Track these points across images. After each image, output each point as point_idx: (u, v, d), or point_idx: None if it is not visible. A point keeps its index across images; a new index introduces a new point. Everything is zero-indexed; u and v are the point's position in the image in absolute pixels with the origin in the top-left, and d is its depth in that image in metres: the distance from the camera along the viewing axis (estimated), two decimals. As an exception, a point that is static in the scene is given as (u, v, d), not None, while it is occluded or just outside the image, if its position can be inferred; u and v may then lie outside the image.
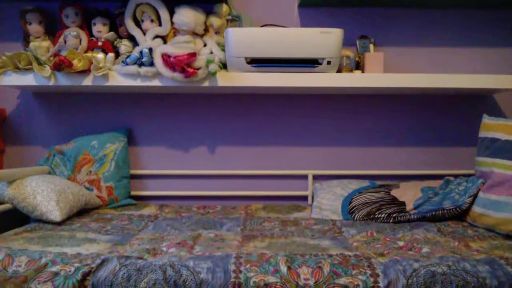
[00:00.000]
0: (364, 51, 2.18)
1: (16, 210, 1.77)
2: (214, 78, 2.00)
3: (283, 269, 1.27)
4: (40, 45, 2.13)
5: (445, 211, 1.83)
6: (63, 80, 2.00)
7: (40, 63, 1.99)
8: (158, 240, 1.54)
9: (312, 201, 2.28)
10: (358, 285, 1.24)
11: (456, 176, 2.11)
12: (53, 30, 2.21)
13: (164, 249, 1.43)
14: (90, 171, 2.11)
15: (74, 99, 2.31)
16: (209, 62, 1.95)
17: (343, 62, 2.11)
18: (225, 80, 2.00)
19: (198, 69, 1.95)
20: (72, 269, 1.26)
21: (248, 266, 1.28)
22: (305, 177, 2.34)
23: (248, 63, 1.98)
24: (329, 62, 1.97)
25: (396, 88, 2.06)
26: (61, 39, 2.11)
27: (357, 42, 2.20)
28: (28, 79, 2.01)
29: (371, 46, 2.19)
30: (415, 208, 1.88)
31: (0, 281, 1.25)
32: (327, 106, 2.33)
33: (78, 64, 1.96)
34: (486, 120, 1.94)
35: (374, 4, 2.25)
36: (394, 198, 1.94)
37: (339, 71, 2.10)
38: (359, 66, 2.18)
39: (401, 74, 2.02)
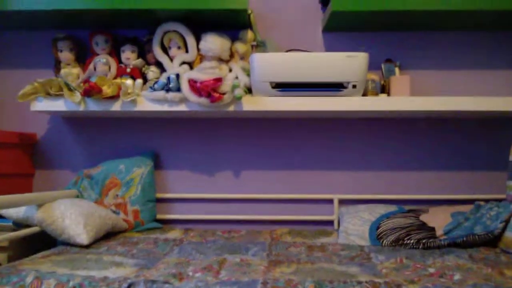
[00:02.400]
0: (389, 74, 2.17)
1: (43, 233, 1.79)
2: (240, 103, 2.02)
3: (311, 295, 1.25)
4: (71, 72, 2.20)
5: (477, 236, 1.78)
6: (92, 106, 2.05)
7: (70, 89, 2.05)
8: (184, 264, 1.53)
9: (338, 226, 2.25)
10: (388, 313, 1.20)
11: (486, 201, 2.05)
12: (83, 57, 2.28)
13: (190, 273, 1.42)
14: (117, 195, 2.13)
15: (103, 123, 2.36)
16: (234, 87, 1.97)
17: (369, 85, 2.11)
18: (250, 104, 2.02)
19: (224, 94, 1.97)
20: (100, 292, 1.27)
21: (275, 292, 1.26)
22: (330, 201, 2.31)
23: (273, 87, 1.99)
24: (354, 86, 1.97)
25: (423, 111, 2.04)
26: (91, 66, 2.18)
27: (382, 66, 2.20)
28: (59, 105, 2.07)
29: (397, 69, 2.18)
30: (445, 234, 1.83)
31: (30, 304, 1.26)
32: (353, 130, 2.31)
33: (107, 90, 2.01)
34: (517, 143, 1.90)
35: (398, 29, 2.25)
36: (423, 224, 1.90)
37: (364, 95, 2.09)
38: (384, 89, 2.17)
39: (428, 97, 2.01)
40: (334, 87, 1.99)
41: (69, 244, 1.77)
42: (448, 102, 2.00)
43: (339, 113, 2.11)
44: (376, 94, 2.12)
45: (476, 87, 2.29)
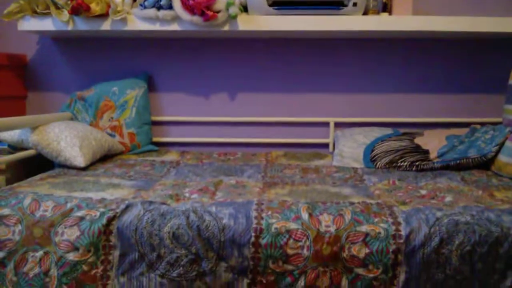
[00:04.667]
0: (392, -8, 2.07)
1: (40, 155, 1.80)
2: (235, 22, 1.94)
3: (305, 216, 1.28)
4: (57, -12, 2.08)
5: (470, 159, 1.80)
6: (81, 25, 1.97)
7: (58, 7, 1.96)
8: (181, 186, 1.55)
9: (334, 148, 2.26)
10: (379, 233, 1.24)
11: (482, 124, 2.05)
12: (69, -28, 2.15)
13: (187, 195, 1.45)
14: (112, 117, 2.12)
15: (94, 44, 2.28)
16: (229, 4, 1.88)
17: (370, 3, 2.01)
18: (245, 23, 1.94)
19: (218, 12, 1.89)
20: (98, 214, 1.29)
21: (270, 212, 1.29)
22: (326, 124, 2.30)
23: (270, 5, 1.91)
24: (355, 4, 1.89)
25: (424, 31, 1.97)
26: (77, -18, 2.05)
27: (385, -17, 2.09)
28: (47, 24, 1.99)
29: (400, -14, 2.07)
30: (439, 157, 1.85)
31: (28, 225, 1.29)
32: (350, 51, 2.25)
33: (95, 7, 1.92)
34: (519, 66, 1.86)
35: None
36: (418, 146, 1.91)
37: (365, 13, 2.00)
38: (386, 8, 2.07)
39: (430, 16, 1.93)
40: (334, 5, 1.90)
41: (66, 166, 1.78)
42: (450, 22, 1.93)
43: (337, 33, 2.03)
44: (378, 12, 2.03)
45: (480, 7, 2.19)
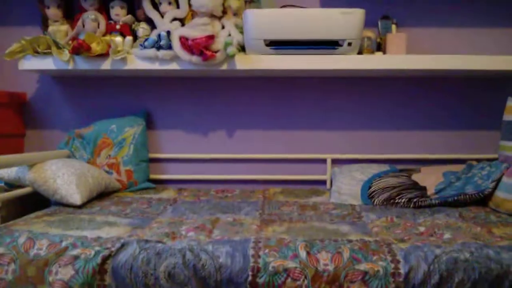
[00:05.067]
0: (386, 32, 2.12)
1: (36, 193, 1.79)
2: (233, 61, 1.97)
3: (302, 254, 1.26)
4: (59, 29, 2.13)
5: (467, 196, 1.79)
6: (82, 64, 2.01)
7: (59, 47, 2.00)
8: (177, 224, 1.54)
9: (331, 185, 2.26)
10: (378, 271, 1.22)
11: (479, 160, 2.06)
12: (71, 13, 2.20)
13: (183, 232, 1.44)
14: (110, 155, 2.12)
15: (94, 83, 2.31)
16: (227, 44, 1.93)
17: (364, 43, 2.06)
18: (243, 62, 1.98)
19: (216, 52, 1.93)
20: (93, 252, 1.28)
21: (267, 251, 1.28)
22: (323, 161, 2.31)
23: (267, 45, 1.95)
24: (349, 44, 1.93)
25: (418, 70, 2.01)
26: (79, 23, 2.10)
27: (379, 23, 2.14)
28: (47, 63, 2.02)
29: (393, 26, 2.12)
30: (436, 193, 1.84)
31: (22, 264, 1.27)
32: (347, 89, 2.28)
33: (96, 47, 1.96)
34: (511, 103, 1.88)
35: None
36: (415, 183, 1.91)
37: (359, 53, 2.05)
38: (380, 47, 2.12)
39: (424, 55, 1.97)
40: (329, 45, 1.95)
41: (62, 204, 1.77)
42: (443, 60, 1.96)
43: (334, 71, 2.07)
44: (372, 52, 2.08)
45: (473, 46, 2.24)
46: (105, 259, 1.26)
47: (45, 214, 1.64)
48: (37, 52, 2.02)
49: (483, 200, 1.81)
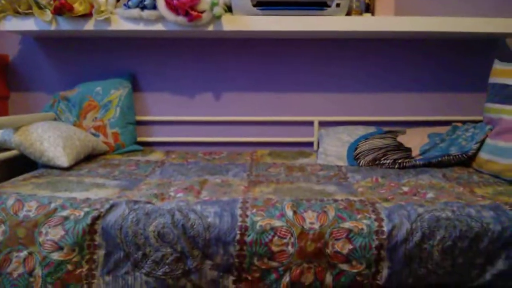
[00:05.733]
0: (374, -8, 2.09)
1: (23, 156, 1.78)
2: (219, 22, 1.94)
3: (289, 213, 1.29)
4: (39, -13, 2.06)
5: (451, 157, 1.83)
6: (64, 25, 1.96)
7: (40, 7, 1.94)
8: (166, 185, 1.55)
9: (318, 147, 2.28)
10: (362, 229, 1.26)
11: (464, 122, 2.09)
12: (51, -29, 2.13)
13: (172, 194, 1.45)
14: (96, 117, 2.11)
15: (77, 44, 2.26)
16: (213, 4, 1.89)
17: (353, 4, 2.04)
18: (230, 24, 1.95)
19: (202, 12, 1.89)
20: (82, 213, 1.29)
21: (255, 210, 1.30)
22: (311, 123, 2.32)
23: (254, 5, 1.92)
24: (338, 5, 1.91)
25: (406, 32, 2.00)
26: (60, -19, 2.04)
27: (368, -17, 2.11)
28: (29, 24, 1.97)
29: (382, -13, 2.10)
30: (421, 154, 1.88)
31: (12, 226, 1.28)
32: (334, 51, 2.27)
33: (79, 7, 1.91)
34: (497, 65, 1.90)
35: None
36: (400, 144, 1.94)
37: (348, 14, 2.03)
38: (369, 9, 2.10)
39: (412, 17, 1.96)
40: (318, 6, 1.92)
41: (50, 166, 1.77)
42: (431, 22, 1.96)
43: (321, 33, 2.05)
44: (360, 13, 2.06)
45: (460, 8, 2.23)
46: (94, 220, 1.28)
47: (33, 176, 1.63)
48: (18, 13, 1.96)
49: (467, 161, 1.85)
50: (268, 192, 1.48)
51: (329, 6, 1.92)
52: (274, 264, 1.25)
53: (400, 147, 1.92)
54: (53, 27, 1.96)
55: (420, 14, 2.19)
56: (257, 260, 1.25)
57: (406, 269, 1.25)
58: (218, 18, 1.91)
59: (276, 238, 1.25)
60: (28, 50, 2.28)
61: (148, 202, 1.35)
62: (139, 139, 2.30)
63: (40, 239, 1.27)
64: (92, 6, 1.93)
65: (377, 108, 2.32)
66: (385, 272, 1.26)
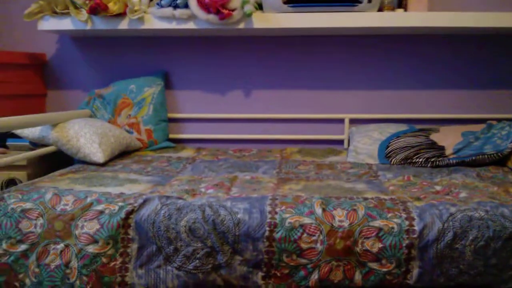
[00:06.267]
0: (407, -12, 2.06)
1: (60, 152, 1.85)
2: (250, 20, 1.96)
3: (318, 211, 1.29)
4: (76, -12, 2.12)
5: (486, 156, 1.79)
6: (99, 24, 2.01)
7: (76, 7, 2.00)
8: (197, 181, 1.58)
9: (348, 145, 2.27)
10: (393, 228, 1.25)
11: (499, 120, 2.03)
12: (87, -28, 2.19)
13: (203, 190, 1.48)
14: (130, 115, 2.16)
15: (112, 43, 2.32)
16: (244, 2, 1.90)
17: (385, 0, 2.01)
18: (260, 21, 1.96)
19: (233, 10, 1.91)
20: (116, 208, 1.33)
21: (284, 207, 1.31)
22: (341, 121, 2.31)
23: (285, 3, 1.92)
24: (369, 0, 1.89)
25: (440, 28, 1.96)
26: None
27: (400, -22, 2.08)
28: (66, 24, 2.04)
29: (415, -18, 2.06)
30: (454, 153, 1.84)
31: (50, 219, 1.33)
32: (365, 48, 2.25)
33: (113, 7, 1.96)
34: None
35: None
36: (433, 143, 1.90)
37: (380, 10, 2.00)
38: (401, 4, 2.07)
39: (447, 12, 1.92)
40: (349, 2, 1.91)
41: (86, 162, 1.83)
42: (466, 18, 1.91)
43: (352, 29, 2.04)
44: (393, 9, 2.02)
45: (497, 2, 2.16)
46: (128, 214, 1.31)
47: (69, 171, 1.69)
48: (55, 13, 2.03)
49: (502, 160, 1.80)
50: (297, 190, 1.48)
51: (361, 2, 1.90)
52: (303, 261, 1.26)
53: (433, 145, 1.89)
54: (88, 27, 2.02)
55: (454, 9, 2.14)
56: (286, 257, 1.26)
57: (437, 269, 1.24)
58: (248, 16, 1.92)
59: (305, 235, 1.26)
60: (65, 49, 2.35)
61: (180, 198, 1.38)
62: (171, 136, 2.34)
63: (76, 232, 1.31)
64: (126, 6, 1.98)
65: (409, 105, 2.28)
66: (415, 272, 1.24)
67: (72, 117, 1.94)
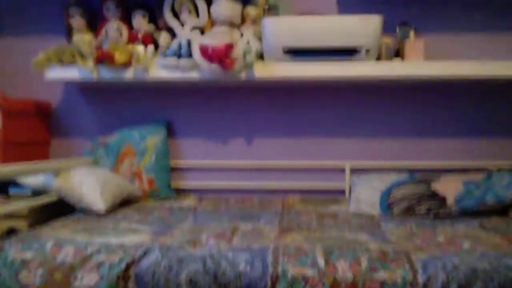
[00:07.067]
0: (404, 38, 2.11)
1: (61, 200, 1.84)
2: (251, 69, 2.00)
3: (321, 262, 1.28)
4: (83, 38, 2.18)
5: (487, 206, 1.78)
6: (105, 73, 2.06)
7: (83, 57, 2.05)
8: (198, 231, 1.57)
9: (350, 194, 2.26)
10: (396, 280, 1.23)
11: (499, 168, 2.04)
12: (95, 23, 2.26)
13: (204, 240, 1.46)
14: (132, 163, 2.17)
15: (117, 92, 2.37)
16: (246, 53, 1.95)
17: (382, 50, 2.06)
18: (262, 71, 2.00)
19: (235, 60, 1.96)
20: (117, 259, 1.31)
21: (286, 258, 1.30)
22: (342, 169, 2.31)
23: (285, 53, 1.97)
24: (367, 51, 1.94)
25: (437, 76, 2.00)
26: (102, 32, 2.17)
27: (398, 29, 2.14)
28: (72, 73, 2.09)
29: (412, 33, 2.12)
30: (456, 203, 1.83)
31: (49, 269, 1.31)
32: (365, 96, 2.29)
33: (119, 57, 2.01)
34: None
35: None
36: (434, 193, 1.90)
37: (377, 59, 2.05)
38: (398, 54, 2.12)
39: (443, 62, 1.97)
40: (348, 52, 1.96)
41: (87, 211, 1.82)
42: (462, 67, 1.96)
43: (352, 79, 2.08)
44: (390, 58, 2.08)
45: (492, 51, 2.22)
46: (128, 266, 1.30)
47: (71, 221, 1.68)
48: (62, 62, 2.08)
49: (504, 209, 1.79)
50: (300, 240, 1.47)
51: (359, 52, 1.95)
52: (306, 315, 1.23)
53: (434, 195, 1.88)
54: (94, 76, 2.07)
55: (450, 58, 2.19)
56: (289, 310, 1.23)
57: (443, 323, 1.21)
58: (250, 65, 1.97)
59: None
60: (70, 97, 2.40)
61: (181, 248, 1.36)
62: (173, 184, 2.34)
63: (76, 284, 1.29)
64: (132, 55, 2.03)
65: (409, 153, 2.29)
66: (421, 326, 1.21)
67: (75, 165, 1.96)
